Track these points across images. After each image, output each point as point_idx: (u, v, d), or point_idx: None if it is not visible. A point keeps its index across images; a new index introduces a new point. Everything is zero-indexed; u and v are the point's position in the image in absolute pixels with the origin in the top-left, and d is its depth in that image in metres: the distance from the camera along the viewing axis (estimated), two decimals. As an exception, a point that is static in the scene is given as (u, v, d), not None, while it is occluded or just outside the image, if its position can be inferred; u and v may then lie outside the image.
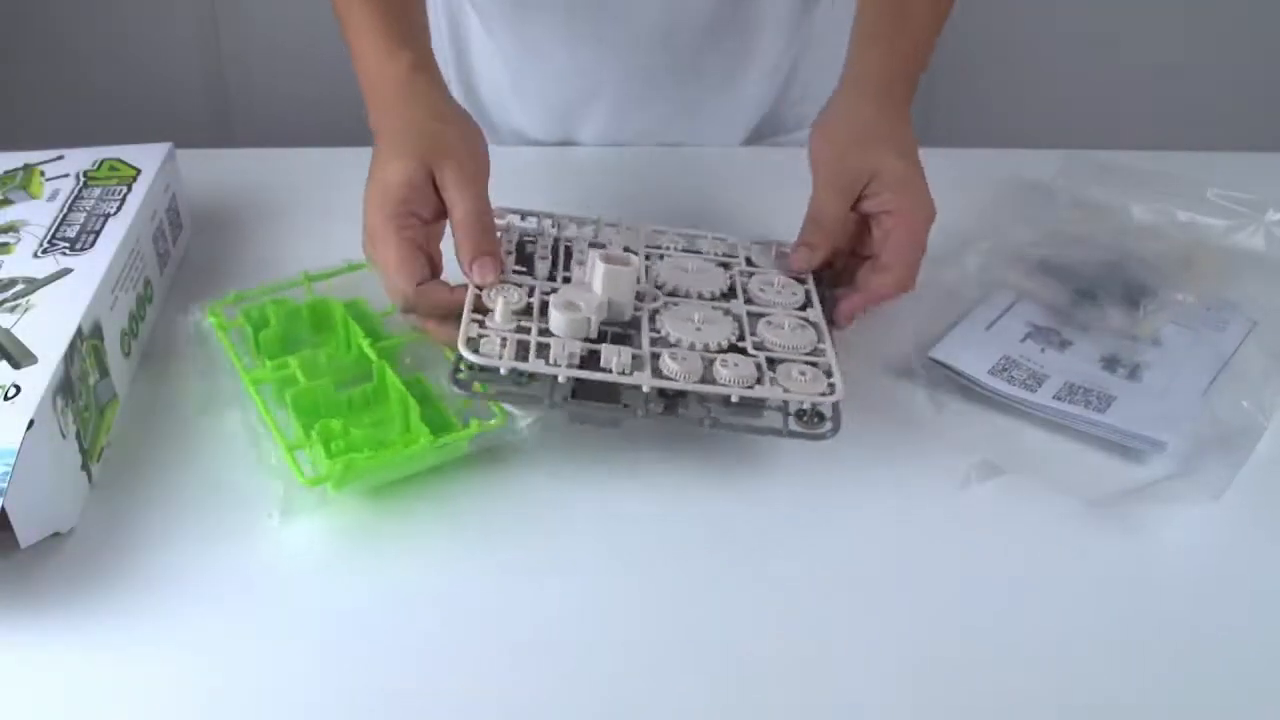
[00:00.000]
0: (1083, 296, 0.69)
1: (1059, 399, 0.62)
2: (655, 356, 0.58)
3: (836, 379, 0.57)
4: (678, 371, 0.56)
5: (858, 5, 0.72)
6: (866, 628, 0.51)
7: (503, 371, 0.55)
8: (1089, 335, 0.67)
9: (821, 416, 0.56)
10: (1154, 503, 0.57)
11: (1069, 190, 0.80)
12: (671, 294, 0.63)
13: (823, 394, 0.57)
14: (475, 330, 0.57)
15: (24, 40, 1.58)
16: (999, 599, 0.53)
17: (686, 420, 0.56)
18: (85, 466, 0.56)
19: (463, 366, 0.56)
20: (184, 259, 0.74)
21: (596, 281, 0.61)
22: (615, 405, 0.56)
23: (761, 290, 0.65)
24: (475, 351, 0.56)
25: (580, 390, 0.56)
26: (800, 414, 0.56)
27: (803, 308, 0.64)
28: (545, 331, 0.58)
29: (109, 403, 0.60)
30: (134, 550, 0.53)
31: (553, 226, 0.68)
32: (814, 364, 0.59)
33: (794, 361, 0.59)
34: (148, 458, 0.59)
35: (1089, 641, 0.51)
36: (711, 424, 0.55)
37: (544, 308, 0.59)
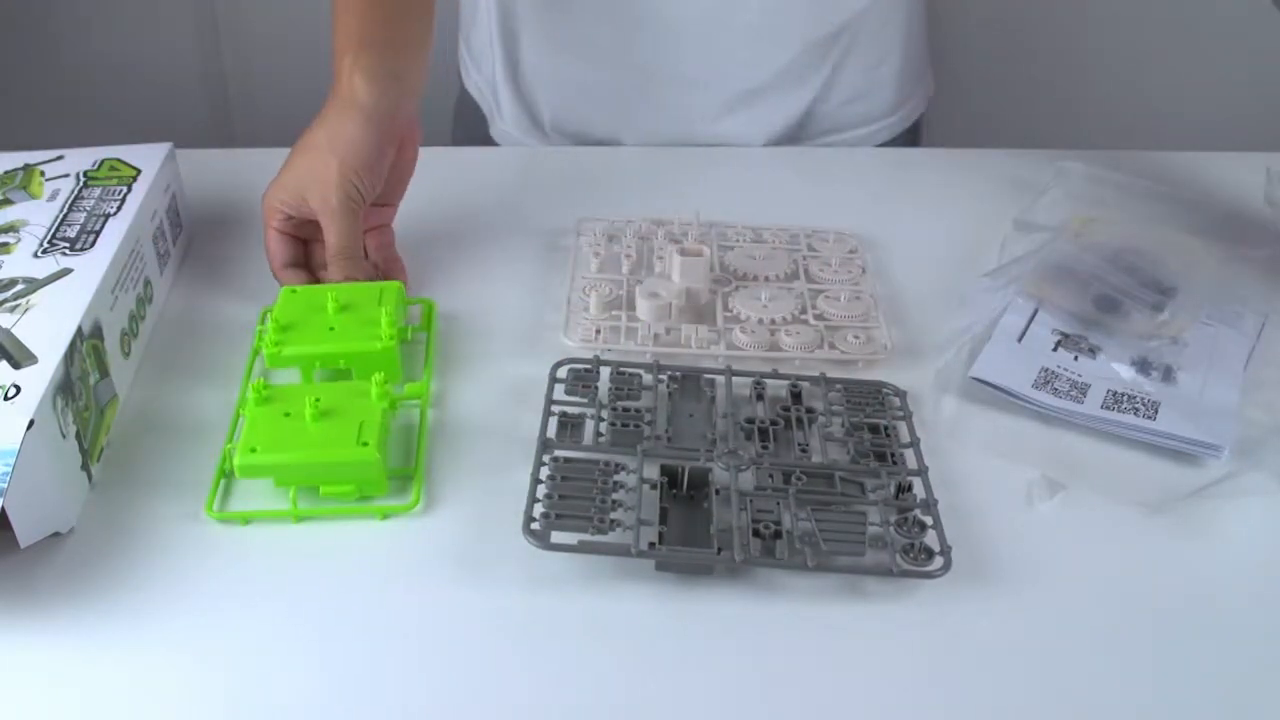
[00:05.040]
0: (1104, 301, 0.68)
1: (1107, 409, 0.61)
2: (728, 332, 0.66)
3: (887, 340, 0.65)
4: (747, 343, 0.65)
5: None
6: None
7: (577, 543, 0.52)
8: (1114, 340, 0.66)
9: (930, 553, 0.52)
10: (1222, 500, 0.57)
11: (1069, 191, 0.80)
12: (742, 279, 0.70)
13: (874, 354, 0.65)
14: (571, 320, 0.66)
15: (24, 40, 1.58)
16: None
17: (786, 564, 0.52)
18: (85, 466, 0.56)
19: (536, 514, 0.52)
20: (184, 259, 0.74)
21: (675, 272, 0.68)
22: (707, 550, 0.51)
23: (821, 270, 0.72)
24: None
25: (667, 536, 0.53)
26: (907, 550, 0.52)
27: (857, 284, 0.71)
28: (633, 318, 0.67)
29: (109, 403, 0.60)
30: (134, 550, 0.53)
31: (634, 228, 0.75)
32: (866, 329, 0.67)
33: (849, 328, 0.67)
34: (148, 458, 0.59)
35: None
36: (815, 566, 0.51)
37: (631, 299, 0.68)
